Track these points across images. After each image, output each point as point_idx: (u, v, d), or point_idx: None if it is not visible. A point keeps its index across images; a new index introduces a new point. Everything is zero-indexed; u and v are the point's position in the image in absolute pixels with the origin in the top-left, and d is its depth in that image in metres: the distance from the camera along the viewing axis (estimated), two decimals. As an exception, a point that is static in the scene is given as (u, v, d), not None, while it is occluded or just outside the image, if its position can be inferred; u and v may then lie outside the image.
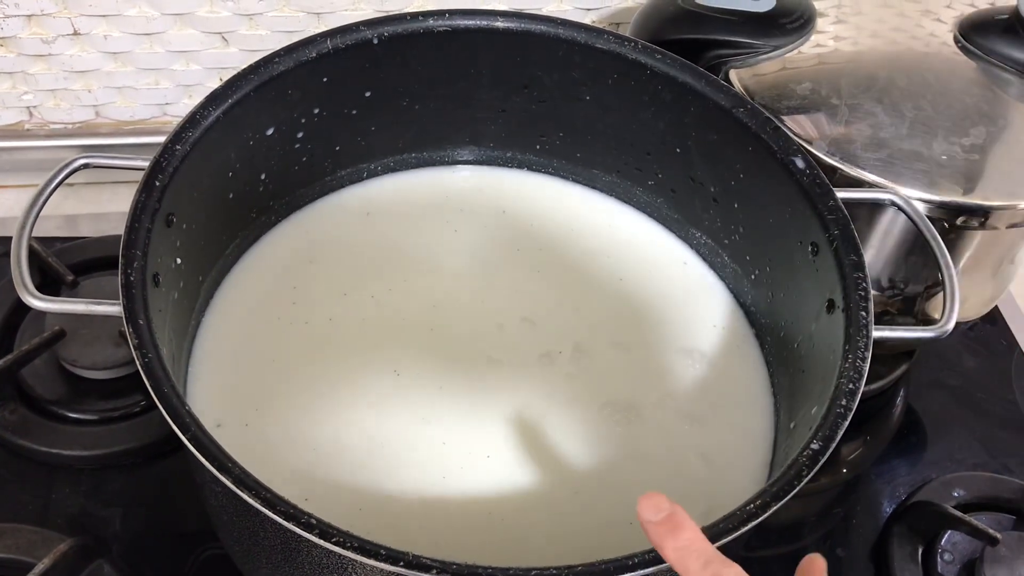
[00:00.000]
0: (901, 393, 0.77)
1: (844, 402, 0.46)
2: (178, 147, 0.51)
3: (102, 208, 0.80)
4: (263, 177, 0.59)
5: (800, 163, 0.54)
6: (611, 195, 0.68)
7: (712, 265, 0.65)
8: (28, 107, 0.75)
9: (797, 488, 0.42)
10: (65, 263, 0.70)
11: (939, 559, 0.64)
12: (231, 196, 0.57)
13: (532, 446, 0.54)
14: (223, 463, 0.40)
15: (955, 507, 0.65)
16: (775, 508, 0.42)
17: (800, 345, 0.55)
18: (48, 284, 0.69)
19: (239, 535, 0.49)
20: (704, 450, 0.56)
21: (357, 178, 0.66)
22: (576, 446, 0.55)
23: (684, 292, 0.63)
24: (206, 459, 0.40)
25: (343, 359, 0.57)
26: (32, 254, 0.68)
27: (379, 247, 0.64)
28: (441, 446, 0.54)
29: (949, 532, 0.64)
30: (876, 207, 0.60)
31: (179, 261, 0.52)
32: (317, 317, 0.59)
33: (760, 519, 0.41)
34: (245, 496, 0.39)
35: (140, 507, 0.62)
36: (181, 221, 0.52)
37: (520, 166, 0.68)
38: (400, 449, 0.54)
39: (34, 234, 0.72)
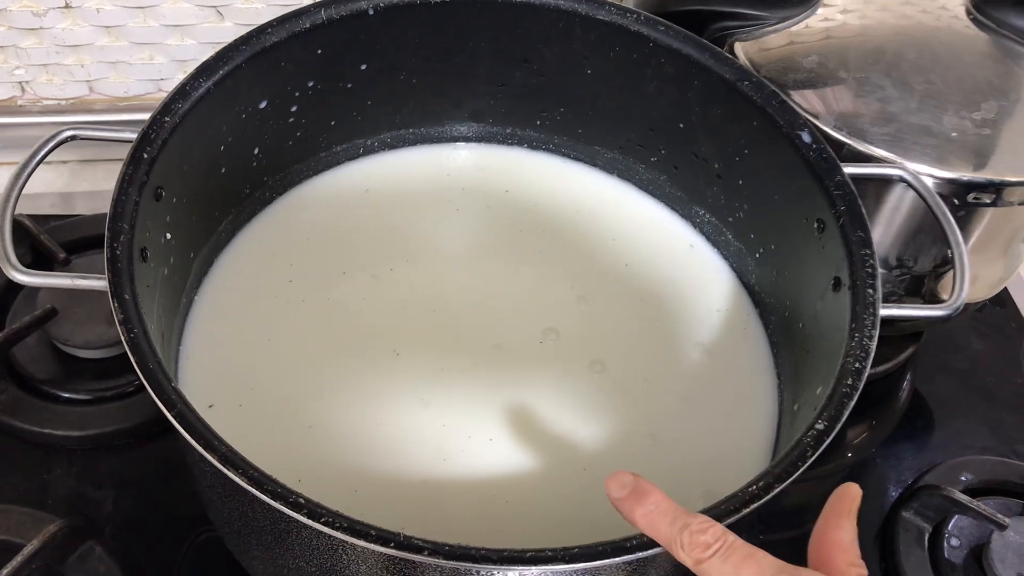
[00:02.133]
0: (908, 376, 0.76)
1: (850, 381, 0.44)
2: (167, 119, 0.49)
3: (98, 186, 0.79)
4: (256, 152, 0.58)
5: (806, 137, 0.53)
6: (613, 173, 0.66)
7: (716, 244, 0.63)
8: (20, 82, 0.74)
9: (801, 469, 0.41)
10: (58, 241, 0.69)
11: (946, 544, 0.63)
12: (223, 171, 0.56)
13: (535, 428, 0.53)
14: (210, 441, 0.39)
15: (963, 491, 0.64)
16: (778, 490, 0.40)
17: (805, 325, 0.54)
18: (40, 262, 0.68)
19: (229, 516, 0.48)
20: (707, 431, 0.55)
21: (353, 154, 0.64)
22: (580, 427, 0.54)
23: (689, 274, 0.62)
24: (192, 437, 0.39)
25: (341, 339, 0.56)
26: (24, 231, 0.67)
27: (378, 225, 0.62)
28: (442, 428, 0.52)
29: (956, 517, 0.63)
30: (884, 183, 0.58)
31: (168, 236, 0.51)
32: (314, 296, 0.58)
33: (763, 501, 0.40)
34: (232, 475, 0.38)
35: (133, 488, 0.61)
36: (171, 195, 0.50)
37: (520, 143, 0.67)
38: (399, 431, 0.52)
39: (28, 211, 0.72)
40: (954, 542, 0.63)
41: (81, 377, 0.64)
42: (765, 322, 0.60)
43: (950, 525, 0.63)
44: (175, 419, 0.40)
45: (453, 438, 0.52)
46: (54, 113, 0.75)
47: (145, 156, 0.48)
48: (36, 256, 0.68)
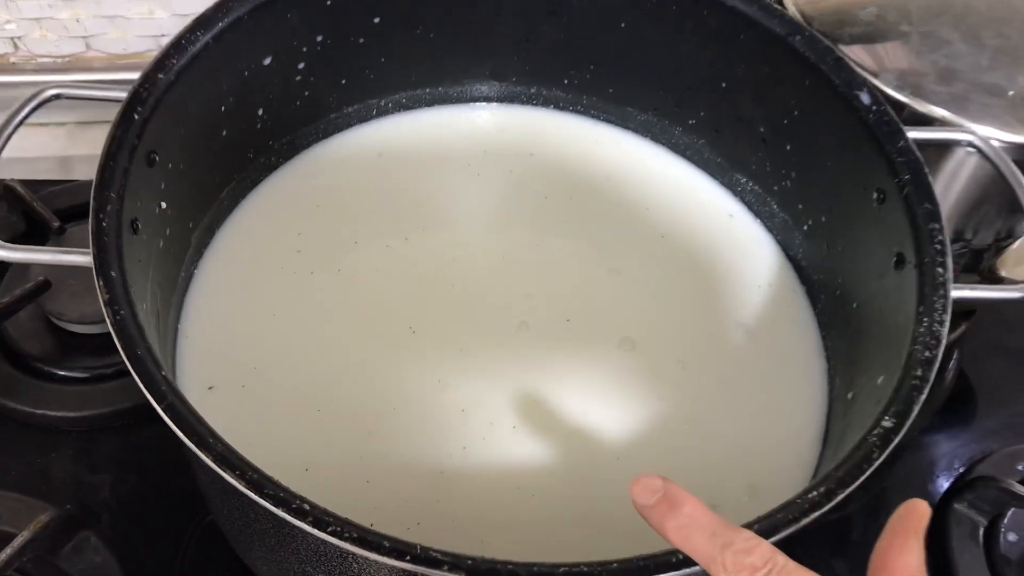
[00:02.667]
0: (954, 356, 0.71)
1: (919, 372, 0.40)
2: (161, 76, 0.45)
3: (97, 149, 0.73)
4: (260, 113, 0.54)
5: (865, 98, 0.48)
6: (647, 136, 0.62)
7: (759, 215, 0.59)
8: (12, 38, 0.69)
9: (867, 473, 0.37)
10: (53, 208, 0.64)
11: (1002, 538, 0.58)
12: (224, 134, 0.52)
13: (562, 415, 0.49)
14: (203, 438, 0.35)
15: (1020, 483, 0.60)
16: (841, 497, 0.36)
17: (861, 306, 0.49)
18: (34, 231, 0.64)
19: (230, 514, 0.44)
20: (749, 419, 0.51)
21: (366, 116, 0.60)
22: (611, 413, 0.50)
23: (729, 247, 0.57)
24: (185, 433, 0.35)
25: (352, 314, 0.52)
26: (15, 198, 0.63)
27: (393, 192, 0.58)
28: (461, 413, 0.48)
29: (1013, 510, 0.59)
30: (942, 148, 0.53)
31: (164, 205, 0.47)
32: (324, 268, 0.54)
33: (823, 509, 0.36)
34: (228, 477, 0.34)
35: (132, 473, 0.57)
36: (165, 160, 0.46)
37: (546, 104, 0.63)
38: (415, 416, 0.48)
39: (22, 176, 0.68)
40: (1012, 537, 0.58)
41: (78, 354, 0.61)
42: (813, 300, 0.55)
43: (1007, 519, 0.59)
44: (165, 413, 0.36)
45: (473, 425, 0.48)
46: (49, 71, 0.71)
47: (136, 117, 0.44)
48: (30, 224, 0.64)
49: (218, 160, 0.52)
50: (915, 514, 0.33)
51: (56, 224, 0.63)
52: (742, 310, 0.55)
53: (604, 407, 0.50)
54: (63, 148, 0.74)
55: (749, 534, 0.32)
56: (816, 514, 0.36)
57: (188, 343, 0.51)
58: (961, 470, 0.64)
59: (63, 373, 0.60)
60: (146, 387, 0.36)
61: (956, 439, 0.66)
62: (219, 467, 0.34)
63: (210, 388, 0.49)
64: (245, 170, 0.55)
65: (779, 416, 0.51)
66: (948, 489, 0.63)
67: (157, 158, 0.45)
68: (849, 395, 0.48)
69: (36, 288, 0.59)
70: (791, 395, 0.52)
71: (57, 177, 0.72)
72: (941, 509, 0.61)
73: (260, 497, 0.34)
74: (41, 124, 0.73)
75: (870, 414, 0.41)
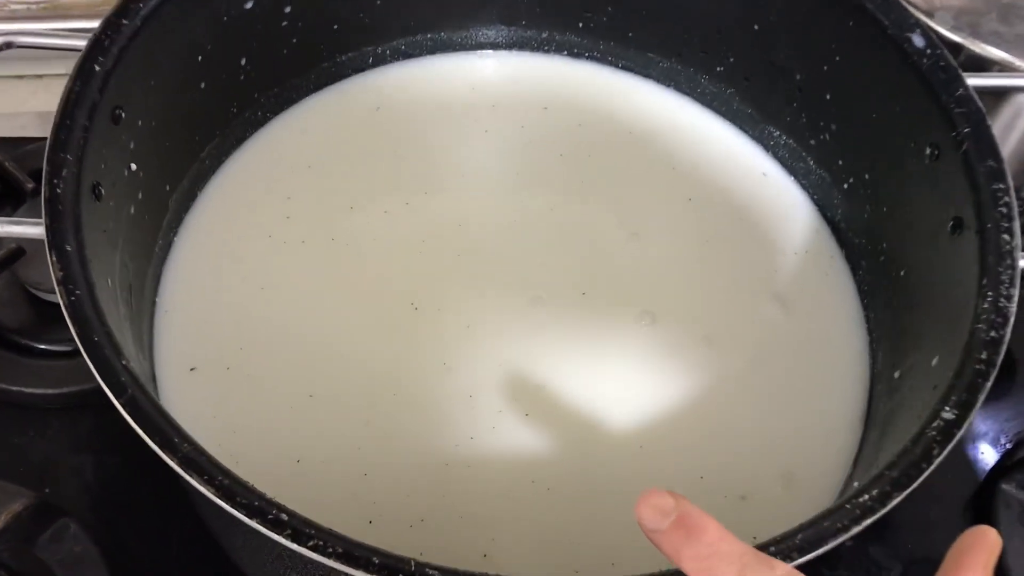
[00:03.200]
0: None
1: (984, 355, 0.35)
2: (125, 22, 0.41)
3: (79, 104, 0.69)
4: (243, 63, 0.49)
5: (918, 41, 0.44)
6: (670, 86, 0.58)
7: (794, 172, 0.54)
8: (-18, -16, 0.64)
9: (927, 472, 0.32)
10: (28, 168, 0.60)
11: (1055, 522, 0.54)
12: (203, 87, 0.47)
13: (581, 400, 0.45)
14: (168, 437, 0.31)
15: (1075, 461, 0.55)
16: (897, 500, 0.32)
17: (910, 274, 0.45)
18: (8, 194, 0.59)
19: (213, 508, 0.40)
20: (783, 399, 0.47)
21: (362, 65, 0.56)
22: (634, 397, 0.46)
23: (761, 209, 0.53)
24: (146, 431, 0.31)
25: (348, 288, 0.48)
26: (-15, 158, 0.58)
27: (392, 150, 0.54)
28: (468, 400, 0.45)
29: (1067, 492, 0.54)
30: (998, 96, 0.49)
31: (134, 167, 0.43)
32: (316, 235, 0.50)
33: (877, 515, 0.32)
34: (195, 483, 0.30)
35: (115, 455, 0.53)
36: (134, 117, 0.42)
37: (559, 50, 0.58)
38: (417, 402, 0.45)
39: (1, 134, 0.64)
40: (1065, 520, 0.54)
41: (57, 326, 0.56)
42: (853, 267, 0.51)
43: (1060, 501, 0.54)
44: (124, 407, 0.31)
45: (482, 412, 0.44)
46: (23, 20, 0.65)
47: (98, 69, 0.40)
48: (4, 186, 0.60)
49: (197, 116, 0.48)
50: (983, 545, 0.28)
51: (31, 186, 0.58)
52: (775, 279, 0.51)
53: (625, 390, 0.46)
54: (44, 103, 0.69)
55: (787, 569, 0.27)
56: (869, 521, 0.31)
57: (168, 319, 0.47)
58: (1008, 447, 0.59)
59: (42, 347, 0.56)
60: (102, 377, 0.32)
61: (1001, 414, 0.62)
62: (185, 471, 0.30)
63: (192, 369, 0.45)
64: (228, 126, 0.51)
65: (816, 396, 0.47)
66: (994, 467, 0.58)
67: (123, 114, 0.41)
68: (896, 374, 0.44)
69: (8, 255, 0.55)
70: (829, 372, 0.48)
71: (37, 134, 0.68)
72: (987, 489, 0.56)
73: (232, 506, 0.30)
74: (17, 77, 0.68)
75: (924, 399, 0.37)
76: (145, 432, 0.31)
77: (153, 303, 0.47)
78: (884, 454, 0.39)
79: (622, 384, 0.46)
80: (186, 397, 0.44)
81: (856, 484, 0.40)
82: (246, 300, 0.47)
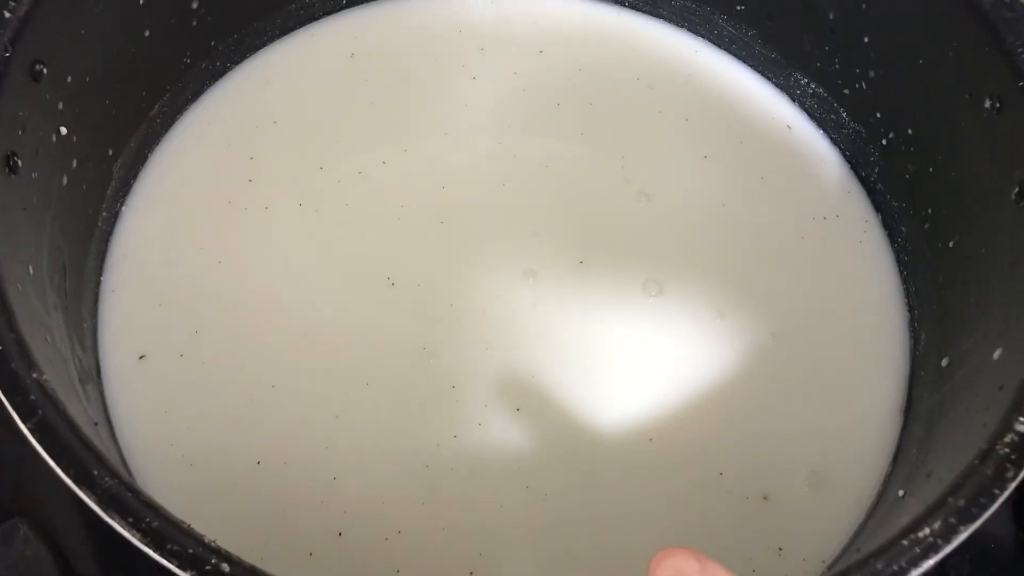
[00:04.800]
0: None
1: (1064, 352, 0.30)
2: (41, -41, 0.34)
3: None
4: (195, 6, 0.44)
5: None
6: (683, 27, 0.52)
7: (824, 125, 0.48)
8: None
9: (1001, 499, 0.27)
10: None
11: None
12: (147, 34, 0.42)
13: (580, 389, 0.40)
14: (86, 469, 0.26)
15: None
16: (965, 536, 0.26)
17: (960, 245, 0.40)
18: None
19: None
20: (809, 388, 0.42)
21: (334, 6, 0.50)
22: (640, 383, 0.41)
23: (786, 166, 0.48)
24: (60, 463, 0.26)
25: (316, 260, 0.44)
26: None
27: (368, 103, 0.49)
28: (451, 391, 0.40)
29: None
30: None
31: (64, 131, 0.37)
32: (282, 200, 0.45)
33: (942, 553, 0.26)
34: (118, 526, 0.25)
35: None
36: (60, 72, 0.36)
37: None
38: (393, 394, 0.40)
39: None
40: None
41: None
42: (891, 234, 0.45)
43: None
44: (33, 433, 0.26)
45: (466, 405, 0.40)
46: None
47: (7, 15, 0.33)
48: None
49: (142, 68, 0.42)
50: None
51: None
52: (800, 246, 0.45)
53: (630, 375, 0.41)
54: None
55: None
56: (932, 561, 0.26)
57: (114, 300, 0.42)
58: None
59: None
60: (6, 396, 0.27)
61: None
62: (105, 512, 0.25)
63: (141, 357, 0.40)
64: (181, 80, 0.46)
65: (848, 382, 0.42)
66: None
67: (44, 70, 0.35)
68: (944, 361, 0.38)
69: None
70: (863, 355, 0.43)
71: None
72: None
73: (161, 556, 0.25)
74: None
75: (985, 399, 0.32)
76: (58, 463, 0.26)
77: (98, 283, 0.41)
78: (935, 457, 0.34)
79: (627, 368, 0.41)
80: (134, 390, 0.40)
81: (901, 492, 0.35)
82: (202, 276, 0.42)
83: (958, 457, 0.30)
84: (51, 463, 0.26)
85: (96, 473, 0.26)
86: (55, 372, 0.31)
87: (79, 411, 0.32)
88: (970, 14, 0.37)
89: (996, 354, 0.33)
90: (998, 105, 0.36)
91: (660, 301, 0.43)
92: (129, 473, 0.38)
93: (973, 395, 0.34)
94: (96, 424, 0.35)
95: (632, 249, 0.45)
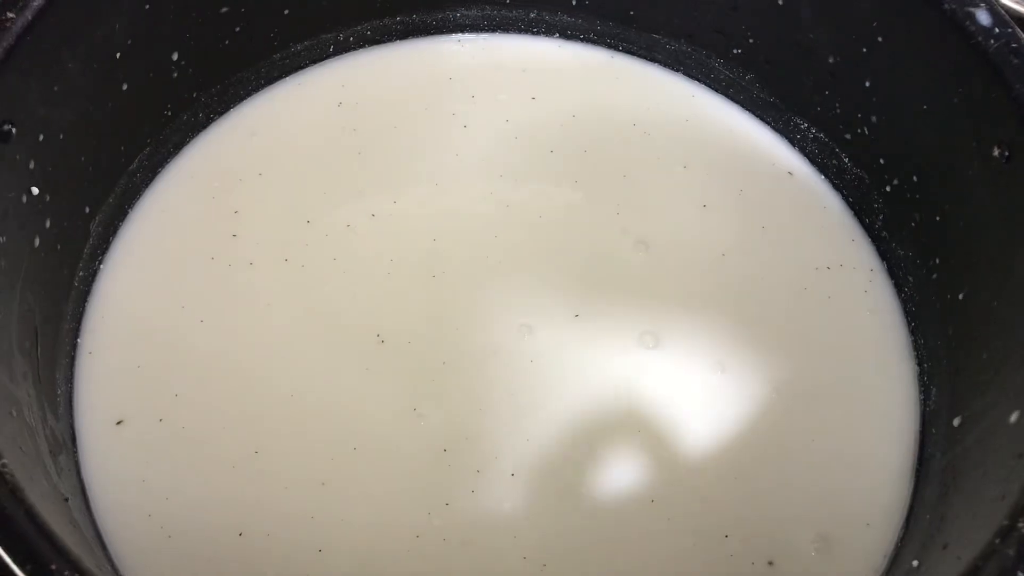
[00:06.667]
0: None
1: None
2: (10, 15, 0.33)
3: None
4: (175, 58, 0.43)
5: (983, 18, 0.37)
6: (679, 71, 0.51)
7: (825, 170, 0.47)
8: None
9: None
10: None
11: None
12: (125, 88, 0.41)
13: (577, 453, 0.39)
14: (44, 564, 0.24)
15: None
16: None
17: (970, 299, 0.38)
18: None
19: None
20: (814, 446, 0.41)
21: (320, 55, 0.50)
22: (644, 441, 0.40)
23: (787, 215, 0.47)
24: (15, 558, 0.24)
25: (302, 319, 0.42)
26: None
27: (356, 153, 0.48)
28: (442, 455, 0.39)
29: None
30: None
31: (36, 191, 0.36)
32: (267, 256, 0.44)
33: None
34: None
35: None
36: (31, 131, 0.36)
37: (549, 32, 0.52)
38: (382, 459, 0.39)
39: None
40: None
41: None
42: (897, 284, 0.44)
43: None
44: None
45: (459, 470, 0.38)
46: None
47: None
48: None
49: (120, 123, 0.42)
50: None
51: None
52: (803, 296, 0.44)
53: (629, 434, 0.40)
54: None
55: None
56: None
57: (91, 363, 0.41)
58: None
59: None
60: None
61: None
62: None
63: (119, 423, 0.39)
64: (162, 132, 0.45)
65: (856, 440, 0.41)
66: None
67: (13, 130, 0.34)
68: (956, 420, 0.37)
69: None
70: (871, 411, 0.42)
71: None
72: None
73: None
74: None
75: (1005, 464, 0.31)
76: (14, 559, 0.24)
77: (74, 346, 0.40)
78: (950, 527, 0.33)
79: (626, 426, 0.40)
80: (111, 457, 0.38)
81: (915, 562, 0.33)
82: (183, 336, 0.41)
83: (976, 530, 0.28)
84: (6, 558, 0.24)
85: (54, 568, 0.24)
86: (20, 449, 0.30)
87: (47, 489, 0.31)
88: (976, 60, 0.36)
89: (1013, 417, 0.31)
90: (1007, 154, 0.35)
91: (658, 354, 0.42)
92: (104, 547, 0.36)
93: (989, 460, 0.32)
94: (67, 500, 0.33)
95: (630, 301, 0.43)
